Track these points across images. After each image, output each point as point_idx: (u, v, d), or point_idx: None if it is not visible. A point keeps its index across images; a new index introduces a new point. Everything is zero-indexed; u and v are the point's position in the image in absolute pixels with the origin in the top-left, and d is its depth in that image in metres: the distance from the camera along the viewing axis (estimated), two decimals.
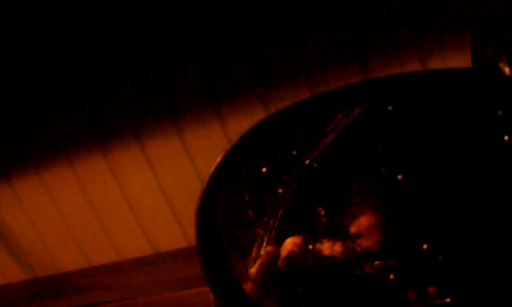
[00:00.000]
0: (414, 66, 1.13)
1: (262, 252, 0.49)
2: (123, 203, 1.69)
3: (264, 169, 0.49)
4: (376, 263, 0.43)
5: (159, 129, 1.52)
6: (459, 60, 1.05)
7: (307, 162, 0.50)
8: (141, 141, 1.55)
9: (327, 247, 0.46)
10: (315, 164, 0.49)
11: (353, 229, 0.47)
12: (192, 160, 1.53)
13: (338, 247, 0.46)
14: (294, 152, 0.50)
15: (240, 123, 1.40)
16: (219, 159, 0.48)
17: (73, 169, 1.70)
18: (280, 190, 0.50)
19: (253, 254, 0.50)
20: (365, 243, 0.45)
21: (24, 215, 1.93)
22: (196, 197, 0.51)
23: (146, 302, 1.82)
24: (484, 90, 0.43)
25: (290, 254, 0.47)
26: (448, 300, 0.41)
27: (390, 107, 0.46)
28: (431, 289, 0.42)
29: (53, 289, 2.17)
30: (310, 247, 0.46)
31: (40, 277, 2.16)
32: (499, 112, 0.42)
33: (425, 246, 0.42)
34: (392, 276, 0.43)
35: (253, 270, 0.48)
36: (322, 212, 0.47)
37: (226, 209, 0.49)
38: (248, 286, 0.47)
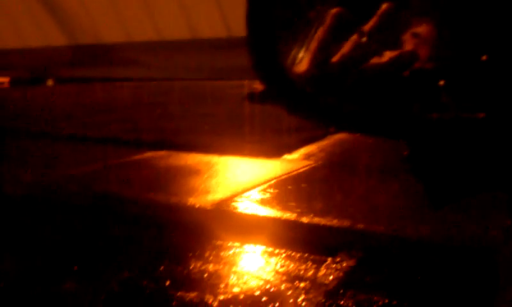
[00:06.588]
0: None
1: (313, 44, 0.48)
2: None
3: None
4: (417, 65, 0.43)
5: None
6: None
7: None
8: None
9: (376, 49, 0.45)
10: None
11: (407, 36, 0.46)
12: None
13: (387, 51, 0.45)
14: None
15: None
16: None
17: None
18: None
19: (303, 44, 0.48)
20: (417, 50, 0.44)
21: None
22: None
23: (183, 85, 1.88)
24: None
25: (341, 50, 0.46)
26: (482, 115, 0.40)
27: None
28: (467, 101, 0.42)
29: (92, 58, 2.24)
30: (360, 49, 0.45)
31: (80, 44, 2.21)
32: None
33: (484, 57, 0.41)
34: (441, 82, 0.42)
35: (302, 61, 0.47)
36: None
37: None
38: (295, 77, 0.46)
